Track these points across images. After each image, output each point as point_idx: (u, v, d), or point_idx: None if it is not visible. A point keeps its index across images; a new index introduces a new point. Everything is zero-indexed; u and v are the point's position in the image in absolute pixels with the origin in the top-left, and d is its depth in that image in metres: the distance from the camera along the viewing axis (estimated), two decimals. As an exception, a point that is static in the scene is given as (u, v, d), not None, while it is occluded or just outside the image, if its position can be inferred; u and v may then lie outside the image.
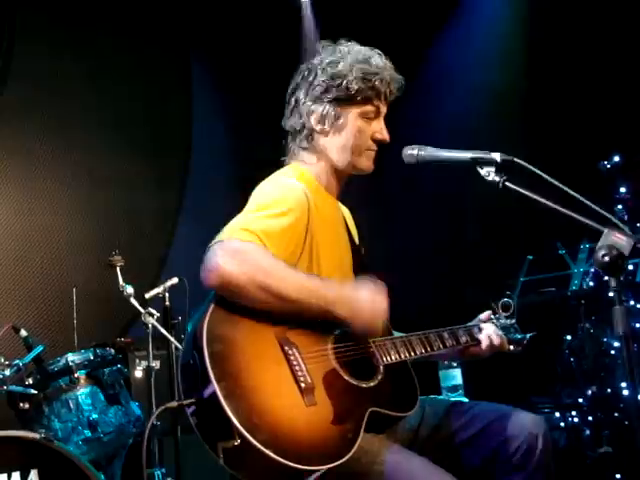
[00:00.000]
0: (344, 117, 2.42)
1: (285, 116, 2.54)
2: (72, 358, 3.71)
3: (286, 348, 2.11)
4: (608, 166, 4.80)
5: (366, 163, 2.48)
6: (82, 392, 3.68)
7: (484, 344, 2.58)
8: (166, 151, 6.22)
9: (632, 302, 4.68)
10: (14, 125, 5.37)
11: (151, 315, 3.91)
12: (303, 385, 2.07)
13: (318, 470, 1.99)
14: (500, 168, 2.18)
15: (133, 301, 3.93)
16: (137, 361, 4.50)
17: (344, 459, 2.01)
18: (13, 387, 3.55)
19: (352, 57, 2.41)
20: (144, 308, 3.92)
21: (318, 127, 2.44)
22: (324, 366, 2.16)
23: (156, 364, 4.05)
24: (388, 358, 2.30)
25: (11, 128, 5.36)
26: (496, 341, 2.59)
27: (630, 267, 4.58)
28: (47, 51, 5.62)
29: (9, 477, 3.13)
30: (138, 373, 4.40)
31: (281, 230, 2.20)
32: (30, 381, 3.61)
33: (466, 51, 6.32)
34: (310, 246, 2.31)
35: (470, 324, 2.66)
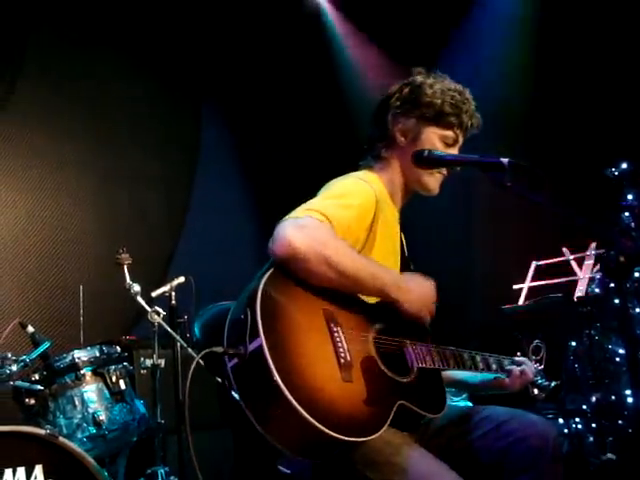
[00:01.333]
0: (425, 135, 2.58)
1: (370, 123, 2.68)
2: (78, 355, 3.73)
3: (332, 325, 2.22)
4: (615, 173, 4.79)
5: (433, 184, 2.62)
6: (87, 389, 3.70)
7: (515, 376, 2.64)
8: (174, 150, 6.25)
9: (638, 310, 4.67)
10: (23, 125, 5.41)
11: (157, 314, 3.92)
12: (342, 361, 2.16)
13: (346, 441, 2.05)
14: (507, 172, 2.20)
15: (139, 299, 3.95)
16: (142, 359, 4.52)
17: (371, 437, 2.09)
18: (19, 383, 3.57)
19: (445, 84, 2.60)
20: (150, 306, 3.94)
21: (400, 139, 2.59)
22: (364, 350, 2.25)
23: (161, 362, 4.07)
24: (423, 363, 2.39)
25: (20, 128, 5.39)
26: (529, 375, 2.66)
27: (637, 274, 4.56)
28: (58, 54, 5.66)
29: (14, 472, 3.14)
30: (143, 371, 4.42)
31: (348, 221, 2.33)
32: (36, 377, 3.63)
33: (473, 57, 6.33)
34: (372, 243, 2.44)
35: (501, 356, 2.71)
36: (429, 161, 2.51)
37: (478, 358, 2.59)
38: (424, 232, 6.12)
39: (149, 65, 6.14)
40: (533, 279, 5.15)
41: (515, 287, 5.19)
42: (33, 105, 5.46)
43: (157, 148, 6.10)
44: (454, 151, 2.61)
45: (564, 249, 5.07)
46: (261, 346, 2.03)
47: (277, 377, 2.00)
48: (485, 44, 6.34)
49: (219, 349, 2.13)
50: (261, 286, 2.13)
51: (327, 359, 2.15)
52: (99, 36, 5.82)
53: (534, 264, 5.19)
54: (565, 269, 5.01)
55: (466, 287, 6.09)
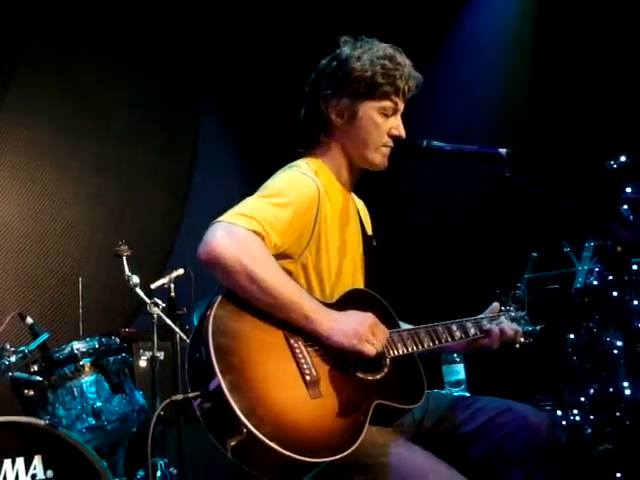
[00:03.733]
0: (362, 111, 2.46)
1: (303, 107, 2.57)
2: (77, 346, 3.74)
3: (292, 341, 2.15)
4: (614, 166, 4.79)
5: (380, 159, 2.51)
6: (87, 380, 3.72)
7: (494, 335, 2.58)
8: (174, 142, 6.25)
9: (636, 302, 4.67)
10: (22, 115, 5.40)
11: (156, 305, 3.91)
12: (308, 378, 2.09)
13: (322, 462, 2.01)
14: (506, 163, 2.21)
15: (139, 291, 3.94)
16: (141, 351, 4.53)
17: (348, 451, 2.03)
18: (18, 374, 3.59)
19: (373, 52, 2.45)
20: (149, 298, 3.93)
21: (336, 120, 2.48)
22: (329, 359, 2.17)
23: (160, 354, 4.07)
24: (395, 351, 2.31)
25: (19, 118, 5.39)
26: (509, 333, 2.59)
27: (635, 267, 4.57)
28: (58, 49, 5.65)
29: (13, 462, 3.16)
30: (142, 363, 4.43)
31: (284, 220, 2.23)
32: (35, 368, 3.64)
33: (471, 51, 6.33)
34: (318, 236, 2.36)
35: (479, 317, 2.65)
36: (427, 152, 2.49)
37: (454, 327, 2.50)
38: (421, 223, 6.15)
39: (146, 58, 6.12)
40: (532, 271, 5.16)
41: (516, 277, 5.20)
42: (29, 99, 5.45)
43: (156, 140, 6.10)
44: (396, 119, 2.50)
45: (563, 241, 5.08)
46: (219, 385, 1.96)
47: (240, 414, 1.93)
48: (484, 36, 6.33)
49: (179, 397, 2.08)
50: (210, 320, 2.06)
51: (292, 380, 2.08)
52: (96, 32, 5.81)
53: (533, 255, 5.20)
54: (564, 261, 5.02)
55: (464, 278, 6.10)
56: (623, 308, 4.40)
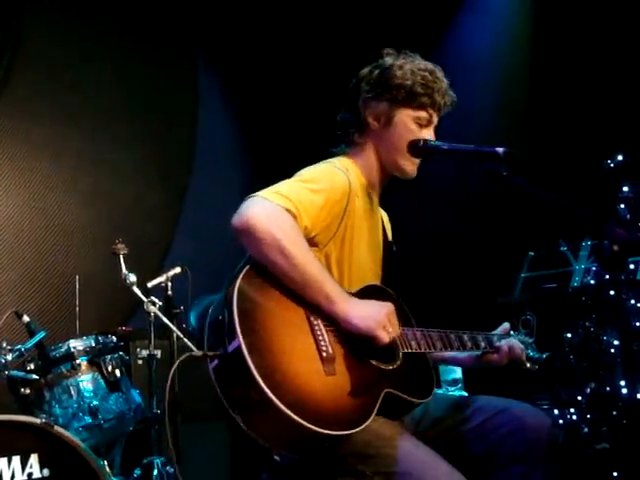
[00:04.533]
0: (398, 117, 2.54)
1: (342, 109, 2.65)
2: (74, 344, 3.73)
3: (312, 318, 2.22)
4: (611, 165, 4.79)
5: (410, 167, 2.59)
6: (83, 378, 3.71)
7: (503, 352, 2.64)
8: (171, 140, 6.23)
9: (632, 301, 4.68)
10: (19, 111, 5.39)
11: (153, 304, 3.91)
12: (325, 354, 2.16)
13: (330, 436, 2.04)
14: (503, 162, 2.21)
15: (136, 290, 3.93)
16: (138, 349, 4.51)
17: (357, 429, 2.08)
18: (14, 372, 3.58)
19: (415, 64, 2.56)
20: (146, 297, 3.93)
21: (373, 123, 2.56)
22: (346, 342, 2.23)
23: (157, 353, 4.06)
24: (408, 348, 2.37)
25: (16, 114, 5.37)
26: (517, 351, 2.66)
27: (632, 266, 4.58)
28: (55, 40, 5.63)
29: (9, 461, 3.15)
30: (139, 361, 4.41)
31: (316, 205, 2.31)
32: (31, 366, 3.64)
33: (470, 50, 6.33)
34: (345, 228, 2.43)
35: (490, 333, 2.72)
36: (424, 151, 2.52)
37: (466, 337, 2.58)
38: (420, 222, 6.15)
39: (149, 52, 6.10)
40: (529, 270, 5.17)
41: (513, 276, 5.21)
42: (28, 94, 5.43)
43: (155, 137, 6.08)
44: (429, 131, 2.57)
45: (560, 240, 5.09)
46: (239, 346, 2.02)
47: (257, 376, 1.99)
48: (481, 36, 6.33)
49: (198, 353, 2.13)
50: (237, 285, 2.13)
51: (309, 354, 2.14)
52: (96, 18, 5.79)
53: (530, 254, 5.21)
54: (561, 260, 5.03)
55: (462, 277, 6.10)
56: (620, 307, 4.40)
